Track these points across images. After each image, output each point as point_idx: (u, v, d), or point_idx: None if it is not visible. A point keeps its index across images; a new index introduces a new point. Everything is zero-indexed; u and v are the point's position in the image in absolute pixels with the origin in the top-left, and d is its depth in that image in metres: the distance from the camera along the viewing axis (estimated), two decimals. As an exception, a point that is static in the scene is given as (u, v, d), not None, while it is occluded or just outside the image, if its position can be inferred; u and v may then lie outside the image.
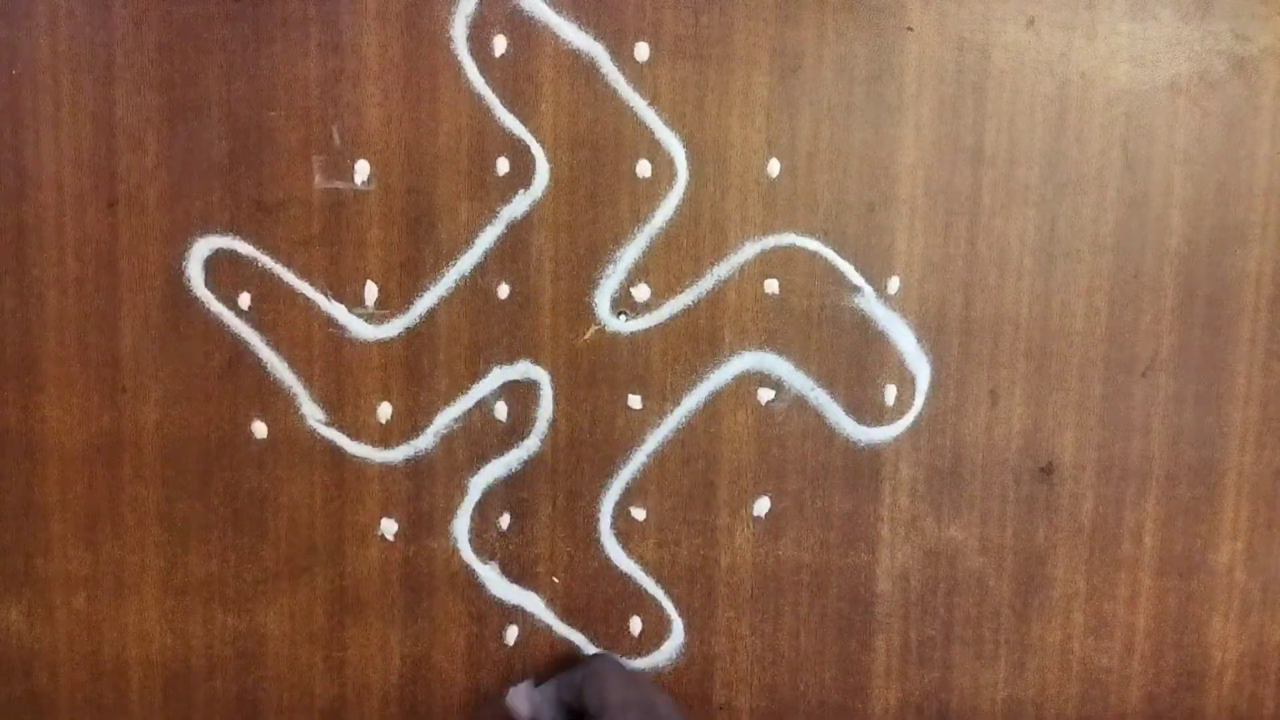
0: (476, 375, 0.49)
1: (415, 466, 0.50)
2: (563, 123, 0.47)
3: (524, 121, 0.47)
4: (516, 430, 0.50)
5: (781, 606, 0.50)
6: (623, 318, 0.49)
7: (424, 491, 0.50)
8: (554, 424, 0.50)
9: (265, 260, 0.49)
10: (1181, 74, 0.48)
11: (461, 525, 0.50)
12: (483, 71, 0.47)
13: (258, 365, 0.49)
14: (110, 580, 0.50)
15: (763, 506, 0.49)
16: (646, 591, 0.51)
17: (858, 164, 0.47)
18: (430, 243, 0.48)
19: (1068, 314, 0.48)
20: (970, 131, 0.47)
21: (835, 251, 0.48)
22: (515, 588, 0.51)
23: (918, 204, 0.47)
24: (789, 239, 0.48)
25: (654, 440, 0.50)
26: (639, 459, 0.50)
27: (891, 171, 0.47)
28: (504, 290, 0.48)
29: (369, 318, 0.49)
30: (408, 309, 0.49)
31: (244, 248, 0.48)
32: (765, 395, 0.49)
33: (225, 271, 0.49)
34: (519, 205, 0.48)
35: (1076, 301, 0.48)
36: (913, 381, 0.49)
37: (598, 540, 0.50)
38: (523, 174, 0.48)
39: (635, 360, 0.49)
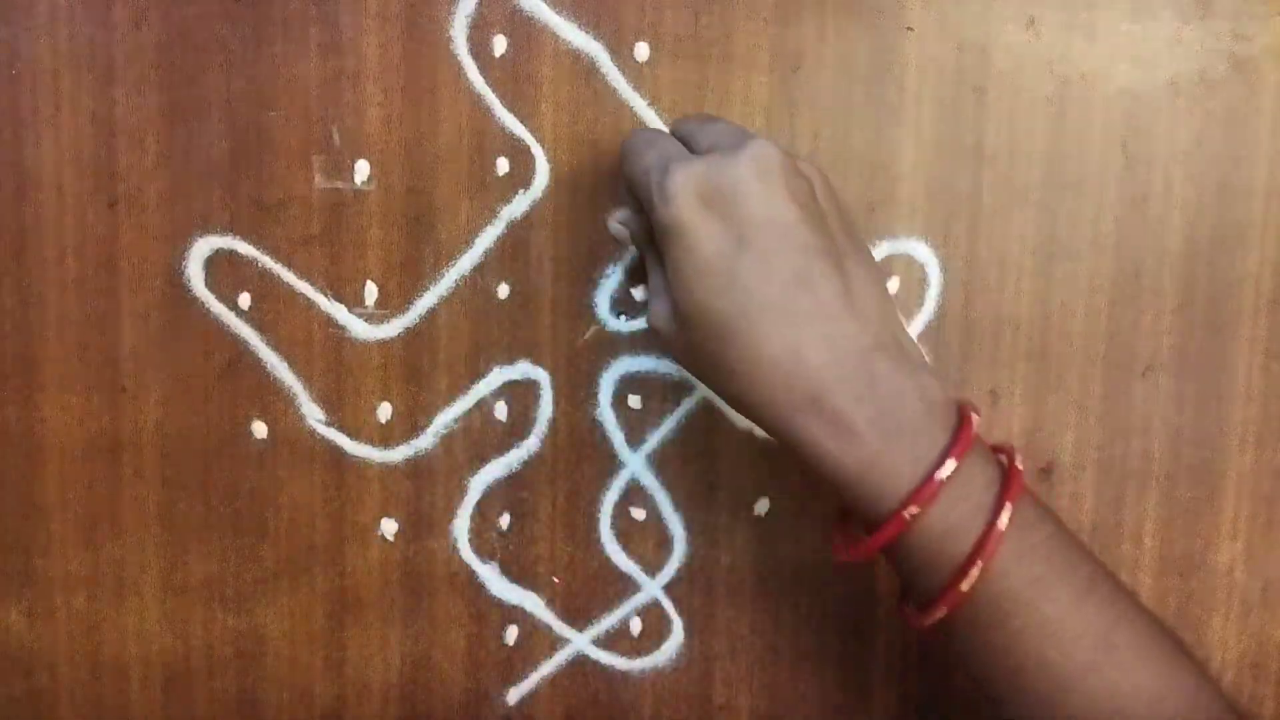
0: (476, 375, 0.49)
1: (415, 466, 0.50)
2: (563, 123, 0.47)
3: (524, 121, 0.47)
4: (516, 430, 0.50)
5: (781, 606, 0.50)
6: (623, 318, 0.49)
7: (424, 491, 0.50)
8: (554, 424, 0.50)
9: (265, 260, 0.49)
10: (1181, 74, 0.48)
11: (461, 525, 0.50)
12: (483, 71, 0.47)
13: (258, 365, 0.49)
14: (110, 580, 0.51)
15: (763, 506, 0.50)
16: (646, 591, 0.51)
17: (858, 164, 0.47)
18: (430, 243, 0.48)
19: (1068, 314, 0.48)
20: (970, 131, 0.47)
21: (835, 251, 0.48)
22: (515, 588, 0.51)
23: (918, 204, 0.47)
24: (789, 239, 0.48)
25: (654, 440, 0.50)
26: (639, 459, 0.50)
27: (891, 171, 0.47)
28: (504, 290, 0.48)
29: (369, 318, 0.49)
30: (408, 309, 0.49)
31: (244, 248, 0.49)
32: (765, 395, 0.49)
33: (225, 271, 0.49)
34: (519, 205, 0.48)
35: (1076, 301, 0.48)
36: (913, 381, 0.49)
37: (598, 540, 0.50)
38: (523, 174, 0.48)
39: (634, 360, 0.49)
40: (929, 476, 0.31)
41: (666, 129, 0.47)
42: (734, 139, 0.34)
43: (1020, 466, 0.33)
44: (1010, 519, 0.31)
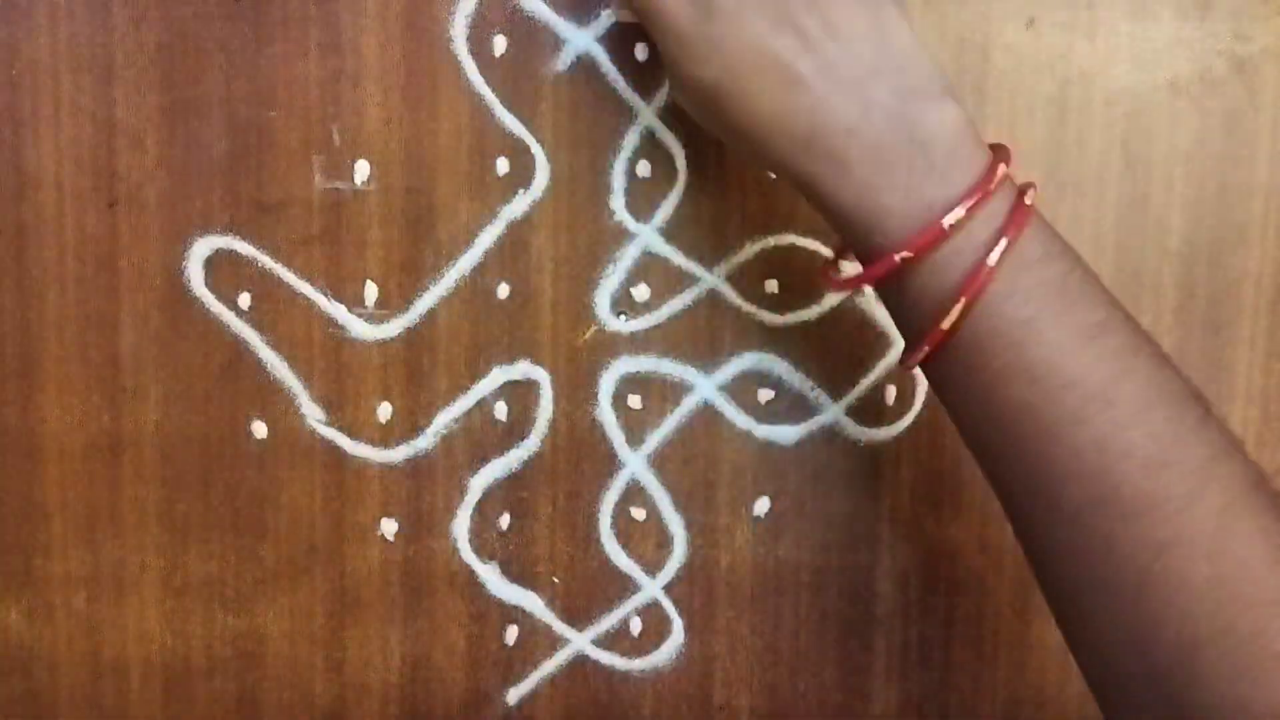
0: (476, 375, 0.49)
1: (415, 466, 0.50)
2: (563, 123, 0.47)
3: (524, 121, 0.47)
4: (516, 430, 0.50)
5: (781, 606, 0.50)
6: (623, 318, 0.49)
7: (424, 491, 0.50)
8: (554, 424, 0.50)
9: (265, 260, 0.49)
10: (1181, 74, 0.48)
11: (461, 525, 0.50)
12: (483, 71, 0.47)
13: (258, 365, 0.49)
14: (110, 580, 0.51)
15: (763, 506, 0.49)
16: (646, 591, 0.51)
17: (858, 164, 0.47)
18: (430, 243, 0.48)
19: (1068, 314, 0.48)
20: (970, 131, 0.47)
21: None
22: (515, 588, 0.51)
23: (918, 204, 0.47)
24: (789, 239, 0.48)
25: (654, 440, 0.50)
26: (639, 459, 0.50)
27: (891, 171, 0.47)
28: (504, 290, 0.48)
29: (369, 318, 0.49)
30: (408, 309, 0.49)
31: (244, 248, 0.49)
32: (765, 395, 0.49)
33: (225, 271, 0.49)
34: (519, 205, 0.48)
35: (1076, 301, 0.48)
36: (913, 381, 0.49)
37: (598, 540, 0.50)
38: (523, 174, 0.48)
39: (634, 360, 0.49)
40: (930, 224, 0.29)
41: (665, 130, 0.47)
42: None
43: (1030, 201, 0.30)
44: (1005, 256, 0.29)
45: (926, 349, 0.30)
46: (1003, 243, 0.29)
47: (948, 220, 0.29)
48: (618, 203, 0.48)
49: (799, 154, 0.31)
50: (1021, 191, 0.31)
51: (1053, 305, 0.29)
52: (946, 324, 0.29)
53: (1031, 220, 0.30)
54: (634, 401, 0.50)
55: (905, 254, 0.30)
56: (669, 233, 0.49)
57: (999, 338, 0.29)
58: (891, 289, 0.32)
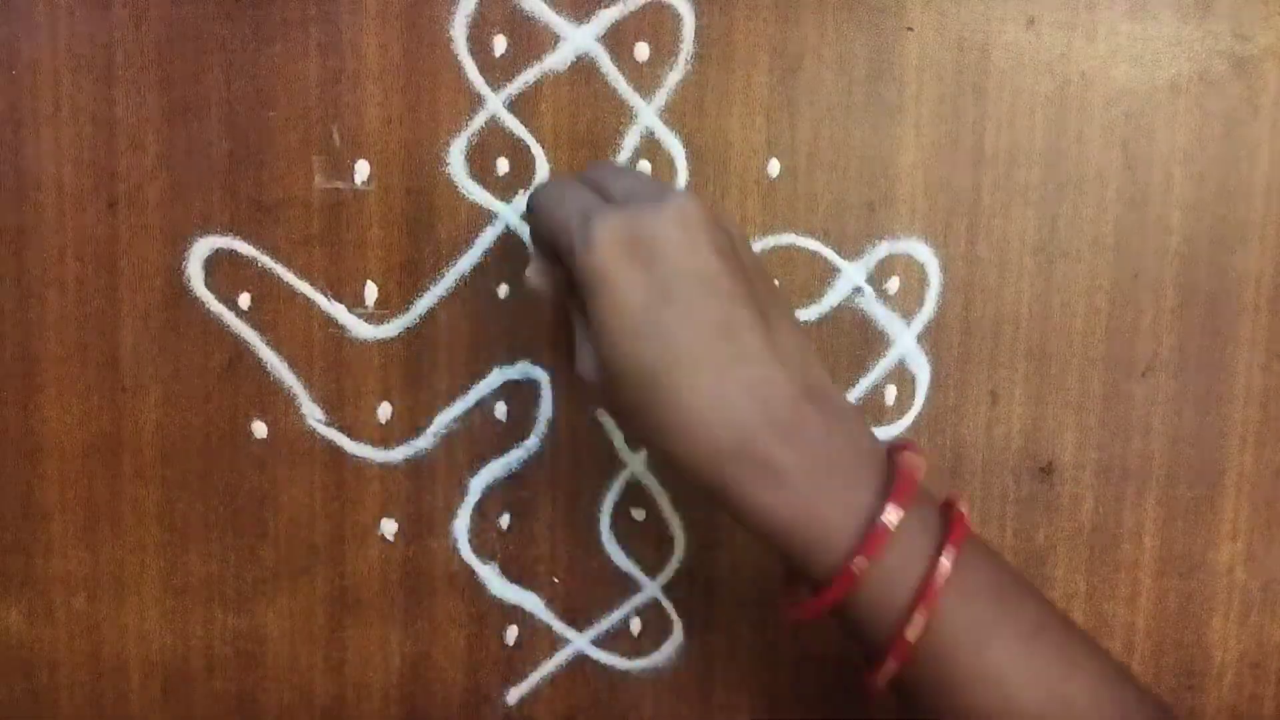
0: (476, 375, 0.49)
1: (415, 466, 0.50)
2: (563, 123, 0.47)
3: (524, 121, 0.47)
4: (516, 430, 0.50)
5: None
6: (623, 318, 0.48)
7: (424, 491, 0.50)
8: (554, 424, 0.50)
9: (265, 260, 0.49)
10: (1181, 74, 0.48)
11: (461, 525, 0.50)
12: (483, 71, 0.47)
13: (258, 365, 0.49)
14: (110, 580, 0.51)
15: (763, 506, 0.49)
16: (646, 591, 0.51)
17: (858, 164, 0.47)
18: (430, 243, 0.48)
19: (1068, 314, 0.48)
20: (970, 131, 0.47)
21: (835, 251, 0.48)
22: (515, 588, 0.51)
23: (918, 204, 0.47)
24: (789, 239, 0.48)
25: (654, 440, 0.49)
26: (639, 459, 0.50)
27: (891, 171, 0.47)
28: (504, 290, 0.48)
29: (369, 318, 0.49)
30: (408, 309, 0.49)
31: (244, 248, 0.49)
32: (765, 395, 0.49)
33: (225, 271, 0.49)
34: (519, 205, 0.48)
35: (1076, 301, 0.48)
36: (913, 381, 0.49)
37: (598, 540, 0.50)
38: (523, 174, 0.48)
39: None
40: (873, 525, 0.29)
41: (665, 130, 0.47)
42: (653, 190, 0.33)
43: (964, 510, 0.31)
44: (954, 561, 0.29)
45: (894, 664, 0.30)
46: (950, 548, 0.29)
47: (888, 518, 0.29)
48: (618, 203, 0.48)
49: (729, 461, 0.29)
50: (953, 502, 0.32)
51: (998, 604, 0.30)
52: (912, 636, 0.29)
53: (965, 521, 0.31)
54: (634, 401, 0.50)
55: (860, 561, 0.29)
56: (669, 233, 0.49)
57: (957, 644, 0.29)
58: (848, 610, 0.31)
